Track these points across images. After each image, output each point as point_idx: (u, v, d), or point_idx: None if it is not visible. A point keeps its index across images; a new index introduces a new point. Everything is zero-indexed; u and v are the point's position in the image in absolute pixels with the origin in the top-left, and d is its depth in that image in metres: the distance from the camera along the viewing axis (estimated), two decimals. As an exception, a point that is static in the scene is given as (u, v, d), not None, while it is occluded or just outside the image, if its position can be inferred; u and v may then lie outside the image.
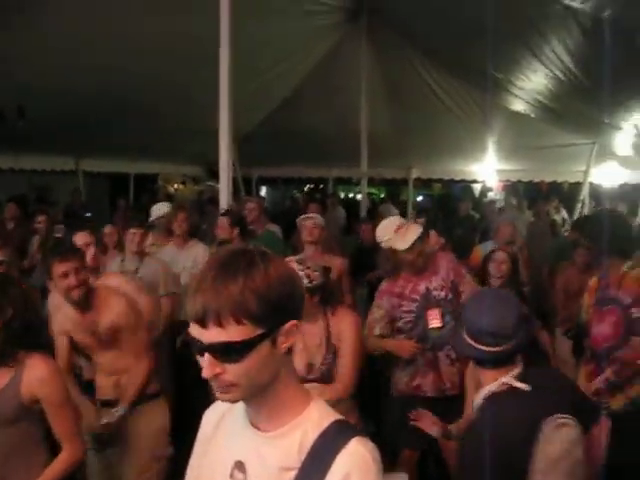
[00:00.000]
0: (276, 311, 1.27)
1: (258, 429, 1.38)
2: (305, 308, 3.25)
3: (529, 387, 2.23)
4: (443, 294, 4.01)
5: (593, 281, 4.09)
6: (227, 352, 1.24)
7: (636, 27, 4.84)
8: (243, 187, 11.69)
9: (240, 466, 1.39)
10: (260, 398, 1.35)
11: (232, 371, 1.26)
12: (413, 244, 3.92)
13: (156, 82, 7.38)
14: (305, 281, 3.21)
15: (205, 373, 1.26)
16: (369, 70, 9.01)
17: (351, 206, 13.59)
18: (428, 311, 3.96)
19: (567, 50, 5.66)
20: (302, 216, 5.29)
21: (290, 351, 1.36)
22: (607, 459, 2.90)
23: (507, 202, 11.42)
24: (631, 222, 7.95)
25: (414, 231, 4.00)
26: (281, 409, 1.37)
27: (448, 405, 3.86)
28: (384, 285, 4.16)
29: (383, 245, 4.09)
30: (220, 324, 1.22)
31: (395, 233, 4.00)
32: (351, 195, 21.38)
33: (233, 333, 1.23)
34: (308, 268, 3.34)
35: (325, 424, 1.35)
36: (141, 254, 5.07)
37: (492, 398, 2.30)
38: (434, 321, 3.94)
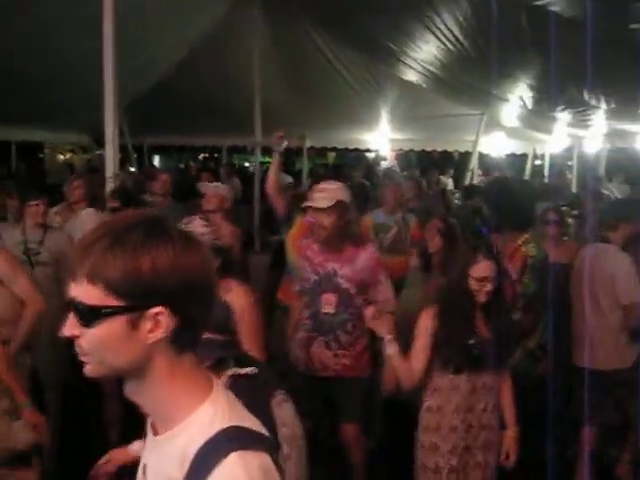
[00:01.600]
0: (145, 290, 1.10)
1: (153, 429, 1.23)
2: None
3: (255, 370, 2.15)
4: (346, 285, 3.83)
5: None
6: (78, 312, 1.11)
7: (521, 1, 4.94)
8: (134, 155, 11.33)
9: (144, 469, 1.25)
10: (138, 390, 1.18)
11: (85, 337, 1.11)
12: (335, 205, 3.75)
13: (42, 49, 6.96)
14: (208, 237, 3.15)
15: (63, 330, 1.13)
16: (263, 38, 8.85)
17: (247, 175, 13.45)
18: (324, 294, 3.84)
19: (456, 22, 5.73)
20: (202, 184, 5.16)
21: (181, 340, 1.17)
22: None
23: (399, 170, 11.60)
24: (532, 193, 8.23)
25: (340, 192, 3.85)
26: (168, 407, 1.18)
27: (330, 388, 3.91)
28: (304, 242, 4.06)
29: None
30: (78, 280, 1.10)
31: (319, 192, 3.85)
32: (247, 164, 21.17)
33: (85, 293, 1.10)
34: (211, 224, 3.29)
35: (214, 430, 1.14)
36: (44, 226, 4.80)
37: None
38: (327, 306, 3.82)
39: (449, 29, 5.96)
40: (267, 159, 19.67)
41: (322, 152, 17.37)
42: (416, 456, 3.25)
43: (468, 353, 3.11)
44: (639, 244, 4.45)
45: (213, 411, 1.17)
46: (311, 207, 3.86)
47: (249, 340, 3.14)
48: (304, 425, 2.21)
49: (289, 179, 10.40)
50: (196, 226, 3.24)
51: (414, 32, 6.75)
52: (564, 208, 8.37)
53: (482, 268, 3.09)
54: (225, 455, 1.09)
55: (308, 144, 12.79)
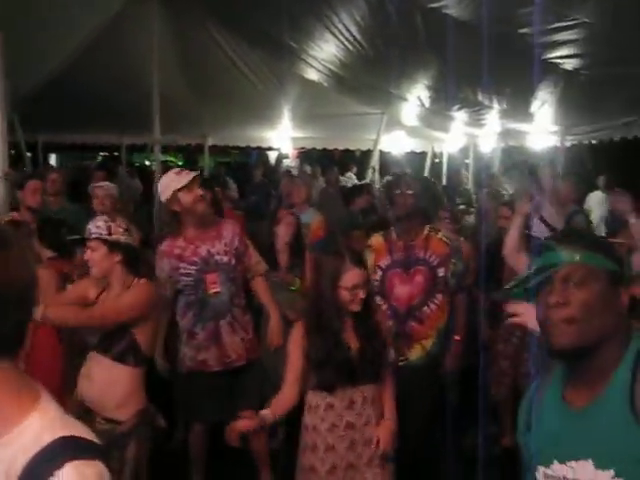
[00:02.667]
0: None
1: None
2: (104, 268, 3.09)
3: None
4: (226, 259, 3.92)
5: (377, 242, 4.29)
6: None
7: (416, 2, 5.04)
8: (27, 154, 10.88)
9: None
10: None
11: None
12: (192, 182, 3.85)
13: None
14: (103, 232, 3.15)
15: None
16: (162, 34, 8.64)
17: (147, 174, 13.15)
18: (207, 275, 3.87)
19: (355, 22, 5.80)
20: (93, 185, 5.03)
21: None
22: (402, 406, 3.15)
23: (301, 169, 11.67)
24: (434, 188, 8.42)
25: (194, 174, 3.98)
26: None
27: (235, 377, 3.91)
28: (164, 245, 4.01)
29: (164, 199, 3.96)
30: None
31: (176, 175, 3.96)
32: (148, 163, 20.72)
33: None
34: (114, 222, 3.25)
35: (45, 441, 1.07)
36: None
37: None
38: (212, 285, 3.86)
39: (347, 29, 6.03)
40: (169, 158, 19.40)
41: (225, 150, 17.20)
42: (297, 478, 3.10)
43: (340, 370, 2.98)
44: None
45: (42, 421, 1.10)
46: (176, 191, 3.86)
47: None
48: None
49: (137, 182, 10.26)
50: (99, 225, 3.20)
51: (314, 31, 6.80)
52: (461, 206, 8.65)
53: (351, 276, 2.97)
54: (59, 466, 1.04)
55: (210, 142, 12.64)
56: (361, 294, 3.00)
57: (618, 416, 1.46)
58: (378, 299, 3.99)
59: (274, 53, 8.71)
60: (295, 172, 11.04)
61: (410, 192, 4.22)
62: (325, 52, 7.40)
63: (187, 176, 3.89)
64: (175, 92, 9.52)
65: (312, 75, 9.03)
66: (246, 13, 7.69)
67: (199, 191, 3.89)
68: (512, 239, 3.81)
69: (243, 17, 8.02)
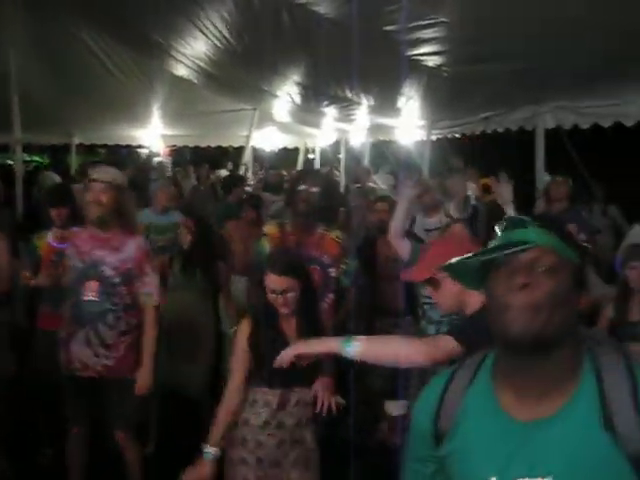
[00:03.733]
0: None
1: None
2: None
3: None
4: (111, 274, 3.76)
5: (272, 232, 4.36)
6: None
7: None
8: None
9: None
10: None
11: None
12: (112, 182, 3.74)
13: None
14: None
15: None
16: (24, 30, 8.24)
17: (8, 175, 12.48)
18: (87, 282, 3.73)
19: (222, 18, 5.76)
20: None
21: None
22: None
23: (172, 167, 11.50)
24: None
25: (118, 174, 3.88)
26: None
27: (96, 389, 3.79)
28: (76, 230, 3.94)
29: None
30: None
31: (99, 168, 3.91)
32: (11, 162, 19.64)
33: None
34: None
35: None
36: None
37: None
38: (89, 293, 3.71)
39: (215, 25, 5.98)
40: (35, 158, 18.53)
41: (92, 149, 16.61)
42: (225, 470, 3.10)
43: (276, 369, 2.95)
44: None
45: None
46: (91, 180, 3.75)
47: None
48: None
49: (57, 178, 9.83)
50: None
51: (181, 28, 6.69)
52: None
53: (269, 281, 3.01)
54: None
55: (77, 141, 12.18)
56: (281, 299, 3.00)
57: (589, 436, 1.32)
58: None
59: (141, 49, 8.52)
60: (165, 170, 10.87)
61: (314, 189, 4.28)
62: (194, 49, 7.31)
63: (109, 174, 3.79)
64: (37, 90, 9.11)
65: (182, 72, 8.90)
66: (111, 9, 7.46)
67: (111, 193, 3.73)
68: (397, 223, 3.95)
69: (108, 12, 7.78)
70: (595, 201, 8.50)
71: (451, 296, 2.62)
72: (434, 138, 10.03)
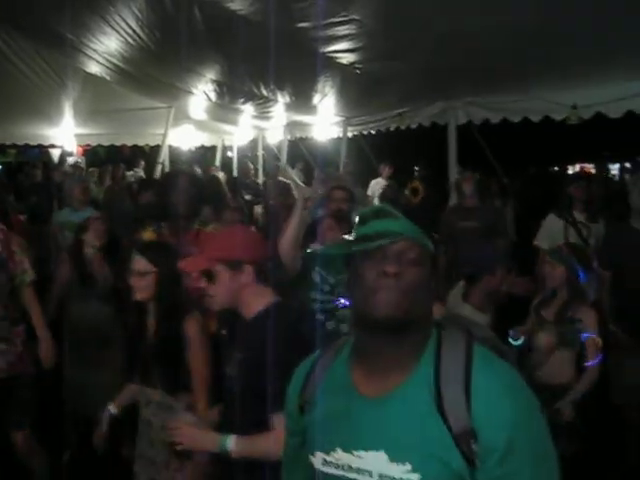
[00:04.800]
0: None
1: None
2: None
3: None
4: None
5: (150, 238, 4.34)
6: None
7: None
8: None
9: None
10: None
11: None
12: None
13: None
14: None
15: None
16: None
17: None
18: None
19: (133, 15, 5.67)
20: None
21: None
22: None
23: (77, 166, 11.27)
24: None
25: None
26: None
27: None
28: None
29: None
30: None
31: None
32: None
33: None
34: None
35: None
36: None
37: None
38: None
39: (126, 22, 5.88)
40: None
41: (1, 149, 16.02)
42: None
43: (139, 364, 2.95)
44: None
45: None
46: None
47: None
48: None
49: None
50: None
51: (92, 24, 6.54)
52: (248, 197, 8.84)
53: (133, 261, 2.97)
54: None
55: (-18, 141, 11.75)
56: (143, 280, 2.95)
57: (419, 410, 1.42)
58: None
59: (51, 46, 8.28)
60: (80, 170, 10.62)
61: (185, 188, 4.30)
62: (105, 45, 7.16)
63: None
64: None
65: (94, 69, 8.70)
66: (17, 4, 7.24)
67: None
68: (290, 232, 3.69)
69: (14, 8, 7.53)
70: (506, 196, 8.81)
71: (227, 292, 2.42)
72: (350, 135, 10.16)
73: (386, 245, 1.43)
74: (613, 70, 5.32)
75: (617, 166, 26.01)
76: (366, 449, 1.45)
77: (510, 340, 3.98)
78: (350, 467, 1.48)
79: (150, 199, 5.60)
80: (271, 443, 2.22)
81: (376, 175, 10.11)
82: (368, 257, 1.45)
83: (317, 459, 1.55)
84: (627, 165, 22.26)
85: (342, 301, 4.08)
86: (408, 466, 1.40)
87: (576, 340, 3.81)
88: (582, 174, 11.10)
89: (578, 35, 4.36)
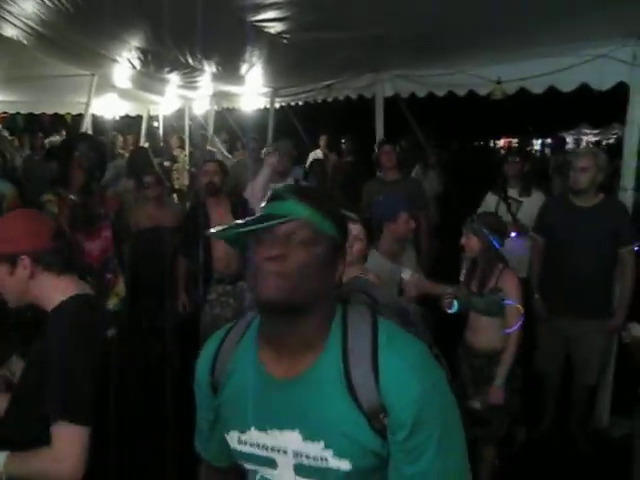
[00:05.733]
0: None
1: None
2: None
3: None
4: None
5: (51, 202, 4.47)
6: None
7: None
8: None
9: None
10: None
11: None
12: None
13: None
14: None
15: None
16: None
17: None
18: None
19: (51, -24, 5.45)
20: None
21: None
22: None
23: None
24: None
25: None
26: None
27: None
28: None
29: None
30: None
31: None
32: None
33: None
34: None
35: None
36: None
37: None
38: None
39: (44, -17, 5.64)
40: None
41: None
42: None
43: None
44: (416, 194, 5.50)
45: None
46: None
47: None
48: None
49: None
50: None
51: (5, -16, 6.25)
52: (167, 164, 8.78)
53: None
54: None
55: None
56: None
57: (330, 390, 1.45)
58: None
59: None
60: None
61: (91, 154, 4.44)
62: (21, 7, 6.84)
63: None
64: None
65: (9, 32, 8.31)
66: None
67: None
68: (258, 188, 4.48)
69: None
70: (430, 167, 8.95)
71: (13, 287, 2.25)
72: (278, 106, 10.10)
73: (271, 227, 1.43)
74: (536, 45, 5.43)
75: (539, 142, 26.76)
76: (280, 428, 1.50)
77: (446, 310, 4.14)
78: (265, 446, 1.52)
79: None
80: (47, 463, 1.97)
81: (306, 147, 10.13)
82: (257, 240, 1.46)
83: (232, 438, 1.58)
84: (548, 140, 22.94)
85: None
86: (322, 444, 1.45)
87: (500, 309, 3.96)
88: (513, 150, 11.45)
89: (500, 8, 4.41)
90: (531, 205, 5.71)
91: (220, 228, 1.49)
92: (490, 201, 6.03)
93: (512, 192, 5.93)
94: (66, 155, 4.50)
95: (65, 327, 2.12)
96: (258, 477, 1.58)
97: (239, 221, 1.48)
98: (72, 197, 4.33)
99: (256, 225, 1.43)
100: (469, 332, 4.22)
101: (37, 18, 6.98)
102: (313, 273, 1.44)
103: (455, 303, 4.13)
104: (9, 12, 7.15)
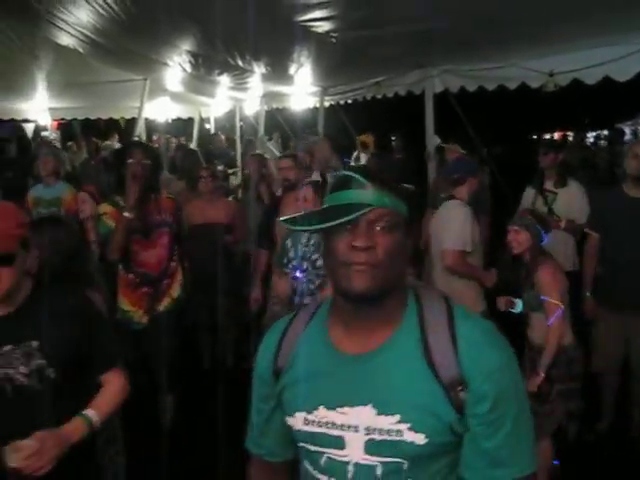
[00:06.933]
0: None
1: None
2: None
3: None
4: None
5: (110, 210, 4.49)
6: None
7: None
8: None
9: None
10: None
11: None
12: None
13: None
14: None
15: None
16: None
17: None
18: None
19: (104, -15, 5.58)
20: None
21: None
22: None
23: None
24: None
25: None
26: None
27: None
28: None
29: None
30: None
31: None
32: None
33: None
34: None
35: None
36: None
37: None
38: None
39: (97, -8, 5.77)
40: None
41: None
42: None
43: None
44: (480, 198, 5.23)
45: None
46: None
47: None
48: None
49: None
50: None
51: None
52: (220, 168, 8.87)
53: None
54: None
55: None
56: None
57: (407, 363, 1.45)
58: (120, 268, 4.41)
59: (21, 17, 8.11)
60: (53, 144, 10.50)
61: (145, 162, 4.40)
62: (77, 17, 7.02)
63: None
64: None
65: (66, 41, 8.54)
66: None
67: None
68: None
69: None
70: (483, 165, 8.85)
71: None
72: (327, 104, 10.12)
73: (355, 218, 1.41)
74: (589, 36, 5.32)
75: (594, 134, 26.14)
76: (351, 405, 1.48)
77: (511, 311, 4.18)
78: (334, 424, 1.50)
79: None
80: (120, 395, 2.50)
81: (355, 145, 10.12)
82: (338, 230, 1.43)
83: (297, 419, 1.57)
84: (604, 133, 22.36)
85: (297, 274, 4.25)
86: (397, 417, 1.43)
87: (539, 304, 3.96)
88: (550, 142, 11.17)
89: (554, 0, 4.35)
90: (568, 195, 5.62)
91: (301, 218, 1.49)
92: (528, 195, 5.93)
93: (548, 184, 5.82)
94: (120, 164, 4.55)
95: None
96: (324, 459, 1.55)
97: (314, 211, 1.49)
98: (127, 214, 4.30)
99: (343, 218, 1.40)
100: (527, 327, 4.21)
101: (92, 27, 7.16)
102: (398, 257, 1.44)
103: (519, 302, 4.15)
104: (65, 21, 7.35)
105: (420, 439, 1.43)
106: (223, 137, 12.20)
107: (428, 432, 1.43)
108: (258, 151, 9.32)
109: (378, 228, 1.42)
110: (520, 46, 5.87)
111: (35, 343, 2.22)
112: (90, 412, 2.32)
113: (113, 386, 2.47)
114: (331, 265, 1.47)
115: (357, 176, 1.46)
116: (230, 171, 9.16)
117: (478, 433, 1.43)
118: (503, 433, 1.42)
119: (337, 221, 1.40)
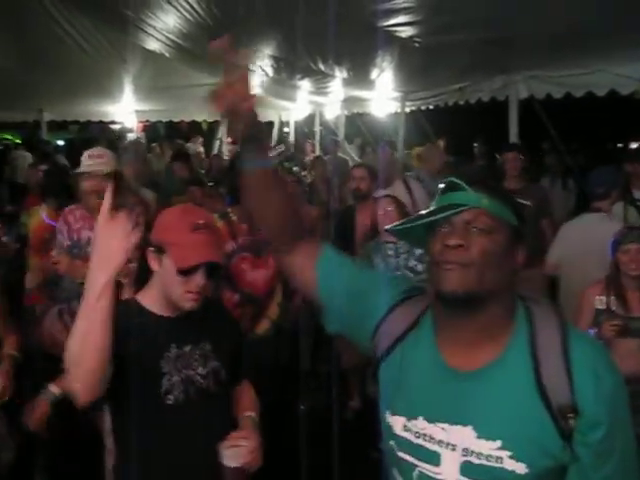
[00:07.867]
0: None
1: None
2: None
3: None
4: None
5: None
6: None
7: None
8: None
9: None
10: None
11: None
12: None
13: None
14: None
15: None
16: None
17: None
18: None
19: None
20: None
21: None
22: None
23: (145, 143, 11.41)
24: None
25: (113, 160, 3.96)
26: None
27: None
28: (71, 207, 4.04)
29: None
30: None
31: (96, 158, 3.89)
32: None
33: None
34: None
35: None
36: None
37: None
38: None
39: (184, -2, 5.91)
40: (6, 135, 18.21)
41: (64, 126, 16.32)
42: None
43: None
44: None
45: None
46: (87, 173, 3.81)
47: None
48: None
49: (29, 156, 9.70)
50: None
51: (151, 1, 6.58)
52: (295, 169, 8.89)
53: None
54: None
55: (47, 117, 12.00)
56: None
57: (515, 387, 1.39)
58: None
59: (111, 23, 8.37)
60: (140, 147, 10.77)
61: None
62: (164, 22, 7.20)
63: (108, 163, 3.88)
64: (4, 66, 8.95)
65: (153, 45, 8.77)
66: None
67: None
68: None
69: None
70: (558, 174, 8.59)
71: None
72: (408, 110, 10.04)
73: (452, 216, 1.41)
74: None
75: (686, 142, 24.99)
76: (451, 422, 1.43)
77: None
78: (432, 438, 1.45)
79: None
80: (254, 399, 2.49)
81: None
82: (434, 230, 1.44)
83: (397, 421, 1.52)
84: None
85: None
86: (498, 443, 1.37)
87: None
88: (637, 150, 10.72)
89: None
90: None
91: (398, 223, 1.52)
92: (617, 207, 5.63)
93: (637, 193, 5.54)
94: (235, 176, 4.25)
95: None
96: (416, 472, 1.48)
97: (416, 215, 1.50)
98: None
99: (436, 215, 1.42)
100: None
101: (178, 32, 7.33)
102: (495, 261, 1.39)
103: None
104: (153, 27, 7.55)
105: (521, 468, 1.35)
106: (309, 143, 12.23)
107: (530, 462, 1.35)
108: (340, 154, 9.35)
109: (474, 229, 1.40)
110: (609, 52, 5.67)
111: (209, 346, 2.25)
112: (252, 414, 2.36)
113: (251, 392, 2.51)
114: (428, 266, 1.48)
115: (458, 180, 1.46)
116: (303, 173, 9.18)
117: (589, 463, 1.35)
118: (612, 463, 1.35)
119: (428, 219, 1.43)
